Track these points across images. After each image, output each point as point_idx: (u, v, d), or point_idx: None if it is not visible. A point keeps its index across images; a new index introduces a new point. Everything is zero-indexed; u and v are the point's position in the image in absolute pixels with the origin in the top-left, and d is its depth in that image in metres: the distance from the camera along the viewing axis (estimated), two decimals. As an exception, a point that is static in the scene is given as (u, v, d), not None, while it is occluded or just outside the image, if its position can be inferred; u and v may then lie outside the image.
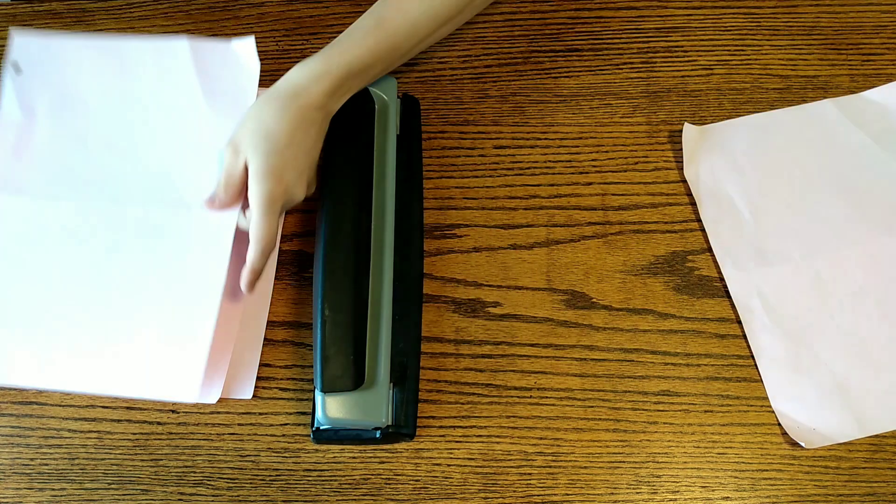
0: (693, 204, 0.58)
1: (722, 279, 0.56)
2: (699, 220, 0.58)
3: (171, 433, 0.53)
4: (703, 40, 0.64)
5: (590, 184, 0.60)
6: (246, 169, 0.52)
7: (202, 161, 0.56)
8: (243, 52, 0.59)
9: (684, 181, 0.59)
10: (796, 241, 0.57)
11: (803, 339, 0.54)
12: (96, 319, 0.53)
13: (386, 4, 0.55)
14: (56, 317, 0.53)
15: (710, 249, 0.57)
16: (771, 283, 0.56)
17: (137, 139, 0.58)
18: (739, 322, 0.55)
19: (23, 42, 0.60)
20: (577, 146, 0.61)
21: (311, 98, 0.53)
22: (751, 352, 0.54)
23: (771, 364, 0.53)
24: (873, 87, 0.62)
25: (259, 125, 0.52)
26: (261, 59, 0.59)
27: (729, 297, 0.56)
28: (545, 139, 0.62)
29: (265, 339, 0.56)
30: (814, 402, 0.52)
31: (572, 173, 0.61)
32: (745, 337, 0.54)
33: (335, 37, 0.55)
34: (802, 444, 0.50)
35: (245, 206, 0.54)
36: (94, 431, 0.53)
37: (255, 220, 0.51)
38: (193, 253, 0.54)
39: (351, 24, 0.56)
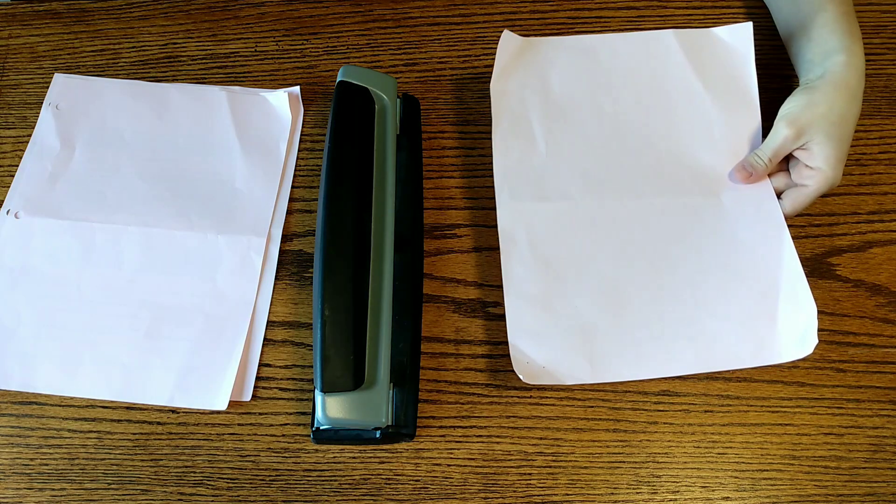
0: None
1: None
2: None
3: (171, 433, 0.53)
4: (703, 40, 0.64)
5: (590, 184, 0.60)
6: (799, 149, 0.54)
7: (232, 196, 0.60)
8: (278, 103, 0.63)
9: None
10: (582, 181, 0.56)
11: (559, 279, 0.54)
12: (126, 330, 0.55)
13: None
14: (83, 328, 0.55)
15: (490, 171, 0.57)
16: (542, 218, 0.55)
17: (170, 172, 0.61)
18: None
19: (65, 82, 0.65)
20: (577, 146, 0.61)
21: (864, 85, 0.54)
22: (500, 282, 0.54)
23: (518, 297, 0.53)
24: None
25: (832, 111, 0.53)
26: (260, 60, 0.59)
27: (495, 224, 0.55)
28: (545, 139, 0.62)
29: (265, 339, 0.56)
30: (554, 341, 0.52)
31: (572, 173, 0.60)
32: (500, 266, 0.54)
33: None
34: (521, 377, 0.50)
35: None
36: (94, 431, 0.53)
37: (806, 201, 0.54)
38: (222, 273, 0.57)
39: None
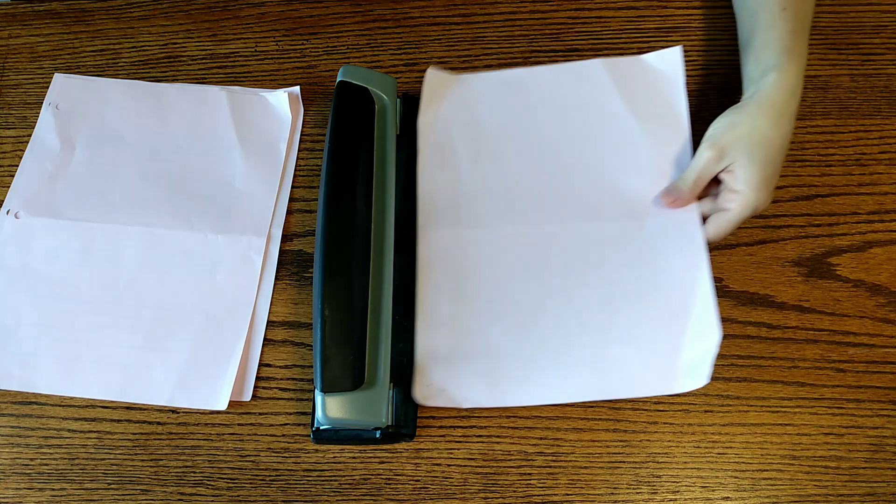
0: None
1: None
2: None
3: (171, 433, 0.53)
4: (703, 40, 0.64)
5: (590, 184, 0.60)
6: (724, 172, 0.52)
7: (232, 196, 0.60)
8: (278, 103, 0.63)
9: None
10: (503, 208, 0.56)
11: (471, 305, 0.54)
12: (126, 330, 0.55)
13: (791, 1, 0.55)
14: (83, 328, 0.55)
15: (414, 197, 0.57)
16: (459, 245, 0.55)
17: (170, 172, 0.61)
18: (739, 322, 0.55)
19: (65, 82, 0.65)
20: (577, 146, 0.61)
21: (797, 106, 0.53)
22: (414, 308, 0.54)
23: (429, 322, 0.53)
24: (873, 87, 0.62)
25: (753, 132, 0.51)
26: (260, 60, 0.59)
27: (414, 252, 0.55)
28: (545, 139, 0.62)
29: (265, 339, 0.56)
30: (457, 364, 0.52)
31: (572, 173, 0.60)
32: (414, 291, 0.54)
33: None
34: (417, 398, 0.51)
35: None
36: (94, 431, 0.53)
37: (729, 226, 0.52)
38: (222, 272, 0.57)
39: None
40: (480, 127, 0.59)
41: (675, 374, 0.51)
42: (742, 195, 0.51)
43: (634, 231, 0.55)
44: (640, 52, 0.64)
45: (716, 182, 0.54)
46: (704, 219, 0.54)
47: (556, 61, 0.64)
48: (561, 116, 0.60)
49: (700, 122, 0.56)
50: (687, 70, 0.63)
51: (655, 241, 0.55)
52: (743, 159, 0.51)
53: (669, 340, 0.52)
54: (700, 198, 0.55)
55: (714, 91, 0.62)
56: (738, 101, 0.55)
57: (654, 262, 0.54)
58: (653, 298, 0.53)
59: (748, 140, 0.51)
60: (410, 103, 0.61)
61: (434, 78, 0.60)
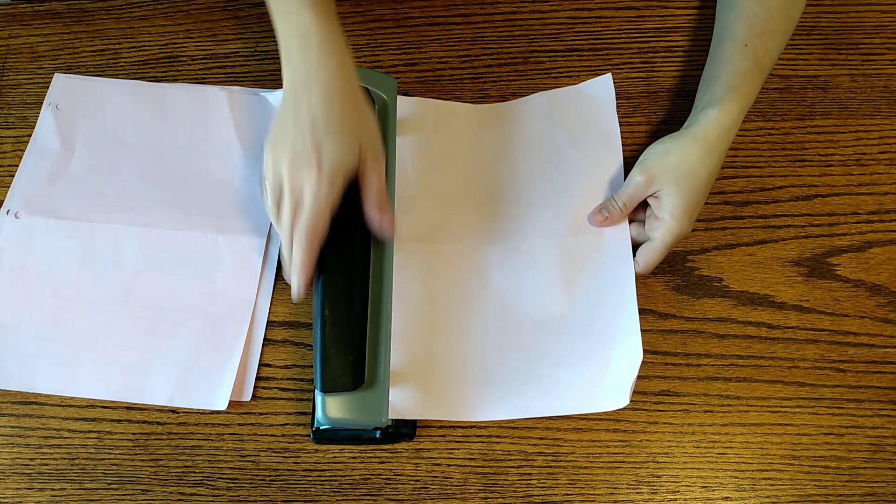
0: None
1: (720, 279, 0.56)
2: (705, 220, 0.58)
3: (171, 433, 0.53)
4: (703, 40, 0.64)
5: (590, 184, 0.60)
6: (652, 197, 0.53)
7: (232, 196, 0.60)
8: (278, 103, 0.62)
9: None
10: (453, 227, 0.58)
11: (416, 318, 0.54)
12: (123, 332, 0.55)
13: (756, 38, 0.55)
14: (83, 328, 0.55)
15: None
16: (420, 257, 0.56)
17: (170, 172, 0.61)
18: (739, 322, 0.55)
19: (65, 82, 0.65)
20: (577, 146, 0.61)
21: (728, 144, 0.54)
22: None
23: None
24: (873, 87, 0.62)
25: (683, 163, 0.52)
26: (260, 60, 0.59)
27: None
28: (545, 139, 0.62)
29: (265, 339, 0.56)
30: (404, 377, 0.52)
31: (572, 173, 0.60)
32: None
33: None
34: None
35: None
36: (94, 431, 0.53)
37: (655, 256, 0.53)
38: (222, 272, 0.57)
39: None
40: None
41: (600, 394, 0.51)
42: (665, 223, 0.52)
43: (567, 250, 0.56)
44: (640, 51, 0.64)
45: (643, 207, 0.55)
46: (633, 246, 0.55)
47: (556, 61, 0.64)
48: (504, 148, 0.61)
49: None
50: (687, 69, 0.63)
51: (587, 261, 0.55)
52: (669, 188, 0.52)
53: (598, 361, 0.52)
54: (630, 221, 0.56)
55: (714, 91, 0.62)
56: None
57: (584, 282, 0.55)
58: (582, 317, 0.54)
59: (677, 170, 0.52)
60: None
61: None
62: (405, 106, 0.61)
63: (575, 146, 0.59)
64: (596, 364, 0.52)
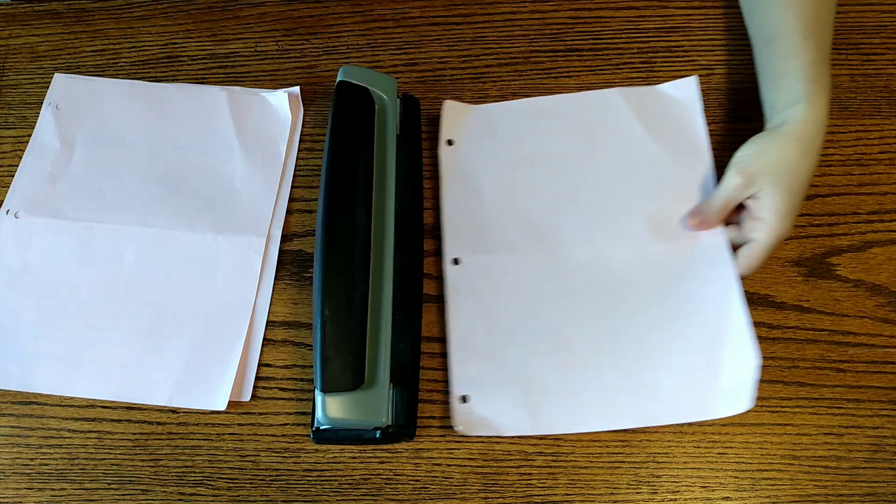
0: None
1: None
2: None
3: (171, 433, 0.53)
4: (703, 40, 0.64)
5: (590, 184, 0.60)
6: (749, 199, 0.53)
7: (231, 196, 0.60)
8: (278, 103, 0.63)
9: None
10: (529, 233, 0.57)
11: (504, 331, 0.54)
12: (123, 332, 0.55)
13: (813, 30, 0.55)
14: (83, 328, 0.55)
15: (438, 227, 0.58)
16: (488, 270, 0.55)
17: (170, 172, 0.61)
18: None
19: (65, 82, 0.65)
20: (577, 146, 0.61)
21: (823, 138, 0.53)
22: (443, 334, 0.54)
23: (463, 349, 0.53)
24: (873, 87, 0.62)
25: (782, 162, 0.52)
26: (260, 60, 0.59)
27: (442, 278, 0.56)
28: (545, 139, 0.62)
29: (265, 339, 0.56)
30: (496, 392, 0.52)
31: (572, 173, 0.60)
32: (442, 316, 0.55)
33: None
34: (460, 428, 0.51)
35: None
36: (94, 431, 0.53)
37: (759, 256, 0.52)
38: (222, 273, 0.57)
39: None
40: (503, 155, 0.60)
41: (715, 400, 0.51)
42: (767, 223, 0.51)
43: (663, 256, 0.55)
44: (640, 51, 0.64)
45: (738, 209, 0.55)
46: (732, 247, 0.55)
47: (556, 61, 0.64)
48: (583, 143, 0.60)
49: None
50: (687, 69, 0.63)
51: (685, 266, 0.55)
52: (770, 188, 0.51)
53: (706, 368, 0.51)
54: (727, 223, 0.55)
55: (714, 91, 0.62)
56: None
57: (683, 287, 0.54)
58: (685, 324, 0.53)
59: (777, 170, 0.52)
60: (410, 103, 0.61)
61: (451, 109, 0.61)
62: (460, 109, 0.61)
63: (661, 147, 0.59)
64: (705, 372, 0.51)
